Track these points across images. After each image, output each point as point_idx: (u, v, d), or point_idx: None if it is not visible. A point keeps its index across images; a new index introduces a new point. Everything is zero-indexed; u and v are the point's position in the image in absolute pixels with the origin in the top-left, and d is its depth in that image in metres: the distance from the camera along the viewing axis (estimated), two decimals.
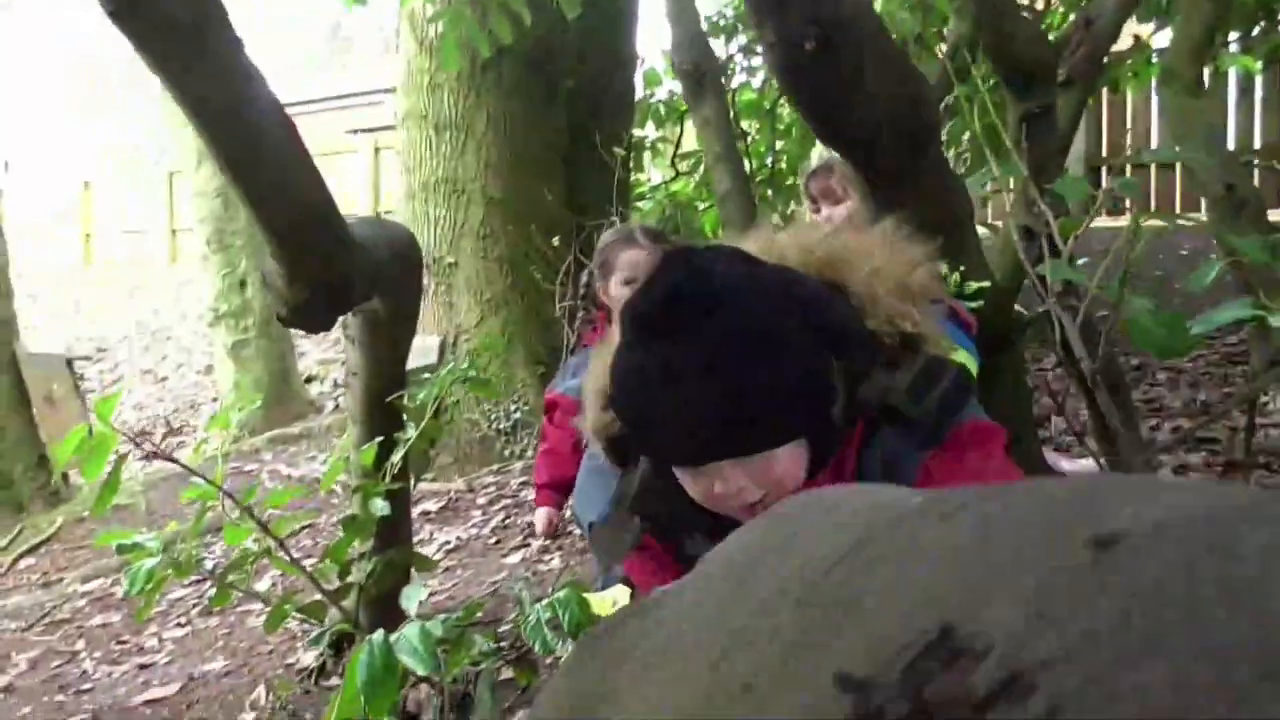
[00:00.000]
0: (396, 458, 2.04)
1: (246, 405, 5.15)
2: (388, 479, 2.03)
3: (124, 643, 3.29)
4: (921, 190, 1.43)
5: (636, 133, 5.02)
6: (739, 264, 1.02)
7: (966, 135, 4.13)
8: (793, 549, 0.31)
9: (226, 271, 6.53)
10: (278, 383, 6.62)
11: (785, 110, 4.68)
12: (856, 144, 1.40)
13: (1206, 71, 3.77)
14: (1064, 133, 2.06)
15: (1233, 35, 4.07)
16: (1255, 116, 6.08)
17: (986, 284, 1.77)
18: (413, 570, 2.33)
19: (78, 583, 4.00)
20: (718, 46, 4.63)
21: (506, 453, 4.27)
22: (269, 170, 1.44)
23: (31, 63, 15.05)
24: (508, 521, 3.61)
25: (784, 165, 4.89)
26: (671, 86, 4.90)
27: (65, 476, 5.22)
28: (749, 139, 4.83)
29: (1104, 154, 6.77)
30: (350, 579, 2.09)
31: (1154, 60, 4.33)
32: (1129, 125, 6.72)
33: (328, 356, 7.51)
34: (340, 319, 2.01)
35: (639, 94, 4.97)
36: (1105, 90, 5.79)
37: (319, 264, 1.57)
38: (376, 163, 11.20)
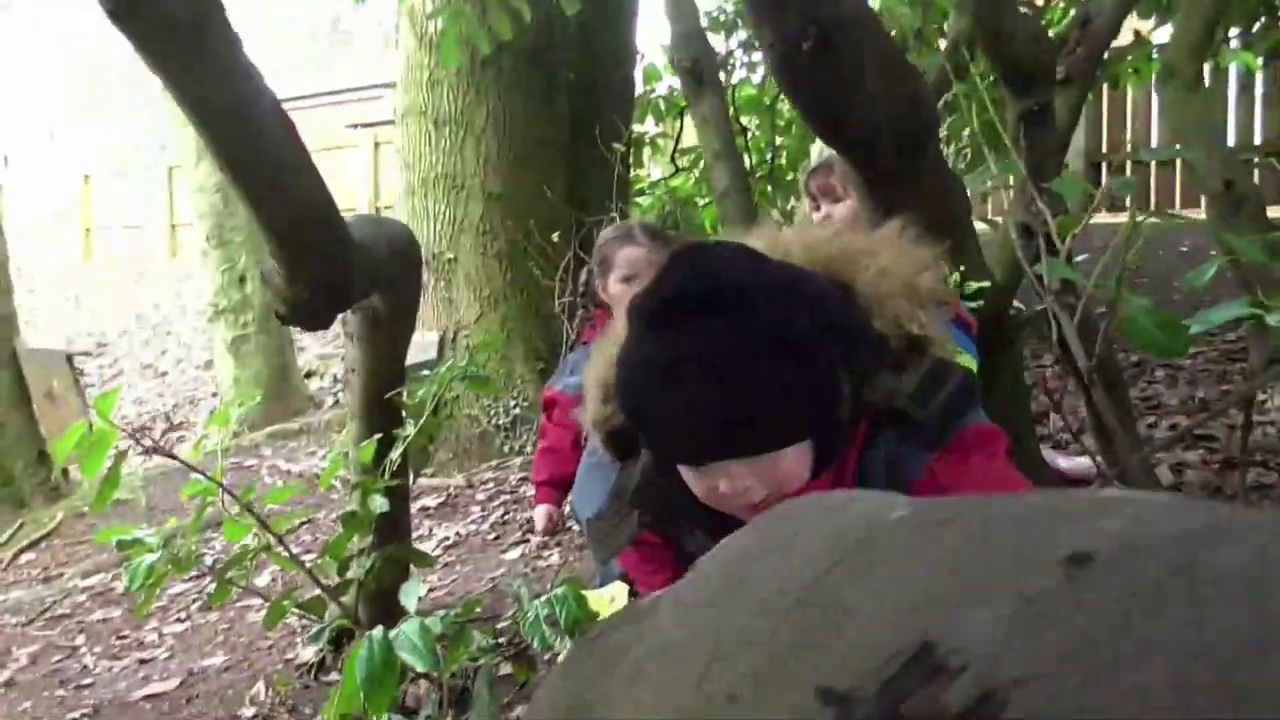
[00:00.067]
0: (395, 454, 2.04)
1: (246, 401, 5.15)
2: (387, 475, 2.03)
3: (124, 638, 3.30)
4: (921, 190, 1.43)
5: (636, 128, 5.02)
6: (748, 261, 1.01)
7: (966, 131, 4.13)
8: (780, 560, 0.32)
9: (226, 267, 6.53)
10: (277, 378, 6.63)
11: (785, 106, 4.67)
12: (856, 144, 1.40)
13: (1207, 67, 3.77)
14: (1062, 131, 2.06)
15: (1233, 31, 4.06)
16: (1256, 112, 6.08)
17: (987, 284, 1.77)
18: (411, 566, 2.33)
19: (78, 578, 4.01)
20: (717, 42, 4.63)
21: (506, 448, 4.28)
22: (269, 170, 1.44)
23: (31, 63, 15.04)
24: (507, 517, 3.62)
25: (784, 161, 4.89)
26: (671, 82, 4.89)
27: (65, 472, 5.23)
28: (749, 135, 4.83)
29: (1104, 150, 6.76)
30: (349, 575, 2.09)
31: (1154, 56, 4.32)
32: (1129, 121, 6.72)
33: (327, 352, 7.51)
34: (340, 316, 2.01)
35: (639, 89, 4.97)
36: (1105, 86, 5.79)
37: (318, 264, 1.57)
38: (376, 158, 11.19)
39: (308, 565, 2.04)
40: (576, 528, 2.96)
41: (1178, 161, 5.53)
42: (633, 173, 5.12)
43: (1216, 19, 2.86)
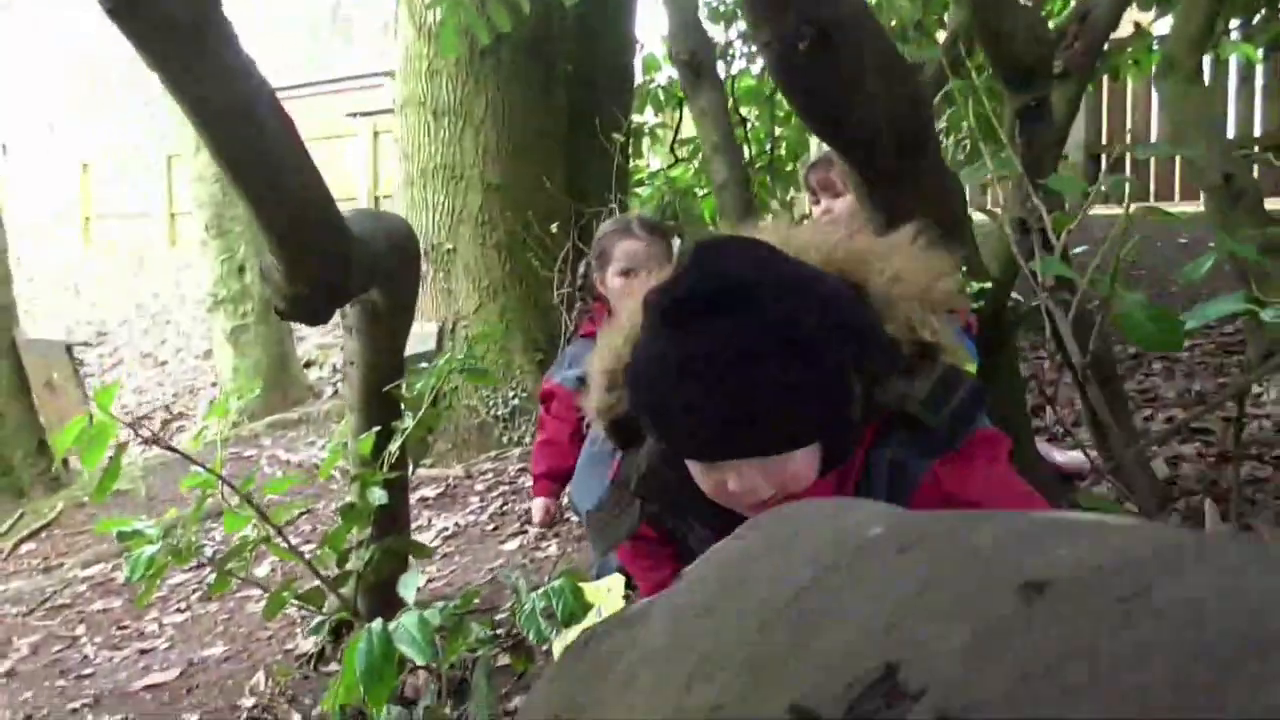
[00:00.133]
0: (394, 447, 2.05)
1: (246, 393, 5.16)
2: (385, 468, 2.04)
3: (124, 628, 3.31)
4: (921, 190, 1.43)
5: (636, 118, 5.01)
6: (761, 259, 1.01)
7: (966, 122, 4.12)
8: (763, 575, 0.33)
9: (225, 257, 6.53)
10: (277, 368, 6.64)
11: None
12: (856, 144, 1.39)
13: (1207, 59, 3.76)
14: (1060, 125, 2.06)
15: (1234, 23, 4.05)
16: (1256, 104, 6.07)
17: (988, 284, 1.77)
18: (410, 557, 2.35)
19: (78, 568, 4.02)
20: (717, 32, 4.61)
21: (505, 439, 4.29)
22: (268, 171, 1.44)
23: (31, 62, 15.01)
24: (505, 508, 3.63)
25: (783, 152, 4.88)
26: (671, 72, 4.87)
27: (65, 462, 5.24)
28: (749, 126, 4.82)
29: (1104, 142, 6.75)
30: (348, 566, 2.10)
31: (1154, 48, 4.31)
32: (1129, 113, 6.70)
33: (326, 341, 7.51)
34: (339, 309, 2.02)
35: (638, 79, 4.95)
36: (1106, 78, 5.78)
37: (317, 262, 1.58)
38: (375, 146, 11.17)
39: (307, 556, 2.06)
40: (575, 518, 2.97)
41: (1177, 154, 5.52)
42: (632, 163, 5.11)
43: (1217, 11, 2.86)
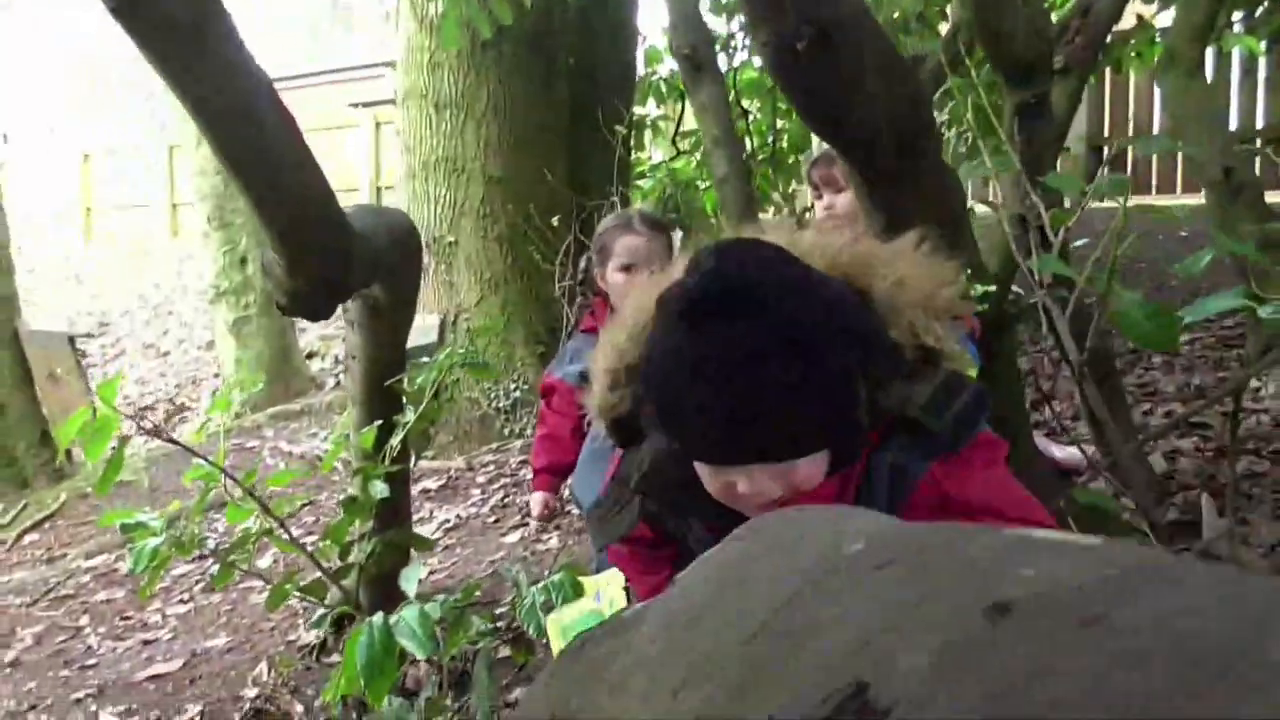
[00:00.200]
0: (395, 440, 2.06)
1: (249, 386, 5.16)
2: (387, 461, 2.05)
3: (128, 619, 3.33)
4: (921, 190, 1.43)
5: (637, 110, 5.00)
6: (768, 263, 1.01)
7: (967, 115, 4.11)
8: (751, 585, 0.34)
9: (227, 249, 6.53)
10: (279, 359, 6.65)
11: None
12: (856, 144, 1.40)
13: (1210, 52, 3.75)
14: (1060, 121, 2.06)
15: (1236, 15, 4.04)
16: (1259, 97, 6.05)
17: (992, 288, 1.77)
18: (412, 550, 2.36)
19: (81, 558, 4.04)
20: (719, 24, 4.60)
21: (506, 431, 4.30)
22: (269, 170, 1.45)
23: (32, 62, 15.01)
24: (506, 501, 3.64)
25: (785, 145, 4.87)
26: (673, 64, 4.86)
27: (69, 453, 5.26)
28: (751, 118, 4.81)
29: (1106, 134, 6.74)
30: (350, 559, 2.11)
31: (1157, 40, 4.30)
32: (1131, 106, 6.69)
33: (329, 333, 7.52)
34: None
35: (640, 71, 4.95)
36: (1108, 70, 5.76)
37: (318, 260, 1.59)
38: (377, 137, 11.14)
39: (309, 549, 2.07)
40: (575, 511, 2.98)
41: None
42: (634, 156, 5.11)
43: (1219, 4, 2.85)
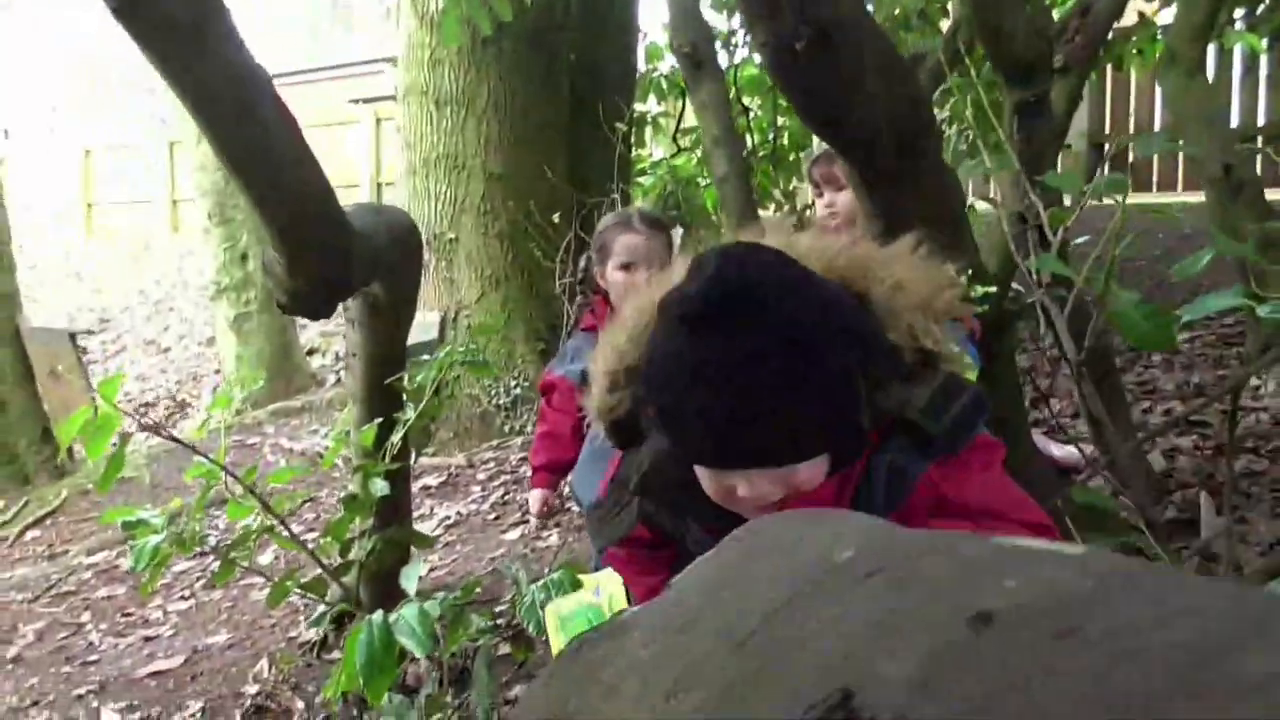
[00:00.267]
0: (396, 438, 2.07)
1: (250, 383, 5.17)
2: (388, 458, 2.06)
3: (129, 615, 3.34)
4: (921, 190, 1.43)
5: (638, 107, 5.00)
6: (777, 264, 1.01)
7: (967, 112, 4.11)
8: (743, 592, 0.34)
9: (228, 245, 6.53)
10: (279, 356, 6.65)
11: None
12: (856, 144, 1.40)
13: (1211, 49, 3.75)
14: (1060, 119, 2.06)
15: (1237, 13, 4.04)
16: (1260, 94, 6.05)
17: (992, 289, 1.77)
18: (412, 547, 2.36)
19: (83, 555, 4.05)
20: (720, 21, 4.59)
21: (506, 428, 4.31)
22: (269, 170, 1.45)
23: (32, 61, 15.01)
24: (507, 497, 3.65)
25: (786, 142, 4.87)
26: (674, 61, 4.85)
27: (70, 450, 5.27)
28: (751, 115, 4.81)
29: (1107, 131, 6.73)
30: (351, 556, 2.12)
31: (1159, 37, 4.30)
32: (1132, 103, 6.68)
33: (329, 329, 7.52)
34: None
35: (641, 68, 4.94)
36: (1109, 67, 5.76)
37: (318, 258, 1.59)
38: (378, 133, 11.13)
39: (310, 546, 2.07)
40: (575, 509, 2.99)
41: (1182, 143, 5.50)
42: (634, 152, 5.11)
43: (1219, 2, 2.85)
